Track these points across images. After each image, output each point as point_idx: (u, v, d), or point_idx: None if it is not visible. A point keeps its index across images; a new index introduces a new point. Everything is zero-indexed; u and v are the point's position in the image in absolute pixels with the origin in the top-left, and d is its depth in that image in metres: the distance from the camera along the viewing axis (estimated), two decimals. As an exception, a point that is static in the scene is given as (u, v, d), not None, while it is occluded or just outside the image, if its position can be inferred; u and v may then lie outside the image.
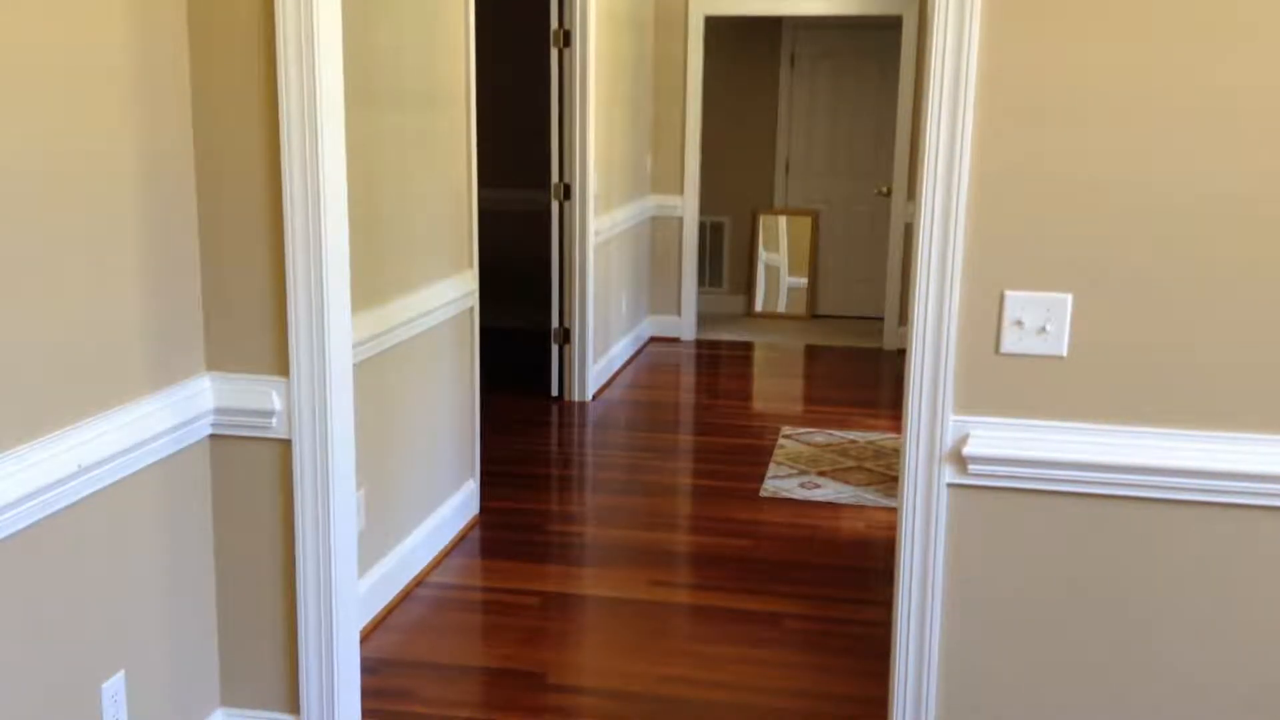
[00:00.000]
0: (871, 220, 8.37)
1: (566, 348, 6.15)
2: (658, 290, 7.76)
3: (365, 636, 3.43)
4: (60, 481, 2.14)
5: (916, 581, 2.30)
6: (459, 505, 4.28)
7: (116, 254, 2.30)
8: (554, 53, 5.86)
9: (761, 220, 8.61)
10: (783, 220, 8.62)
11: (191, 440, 2.57)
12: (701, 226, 7.95)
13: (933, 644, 2.32)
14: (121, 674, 2.39)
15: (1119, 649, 2.26)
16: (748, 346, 7.76)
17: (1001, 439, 2.21)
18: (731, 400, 6.45)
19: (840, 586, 3.89)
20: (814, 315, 8.63)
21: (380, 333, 3.50)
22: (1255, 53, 2.02)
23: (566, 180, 5.93)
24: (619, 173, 6.64)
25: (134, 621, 2.43)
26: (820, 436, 5.59)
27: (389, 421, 3.66)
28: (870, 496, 4.73)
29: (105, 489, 2.29)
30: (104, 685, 2.34)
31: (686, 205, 7.63)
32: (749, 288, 8.71)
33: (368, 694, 3.00)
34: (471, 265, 4.33)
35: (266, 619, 2.70)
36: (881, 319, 7.81)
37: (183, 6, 2.45)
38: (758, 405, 6.38)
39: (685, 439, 5.72)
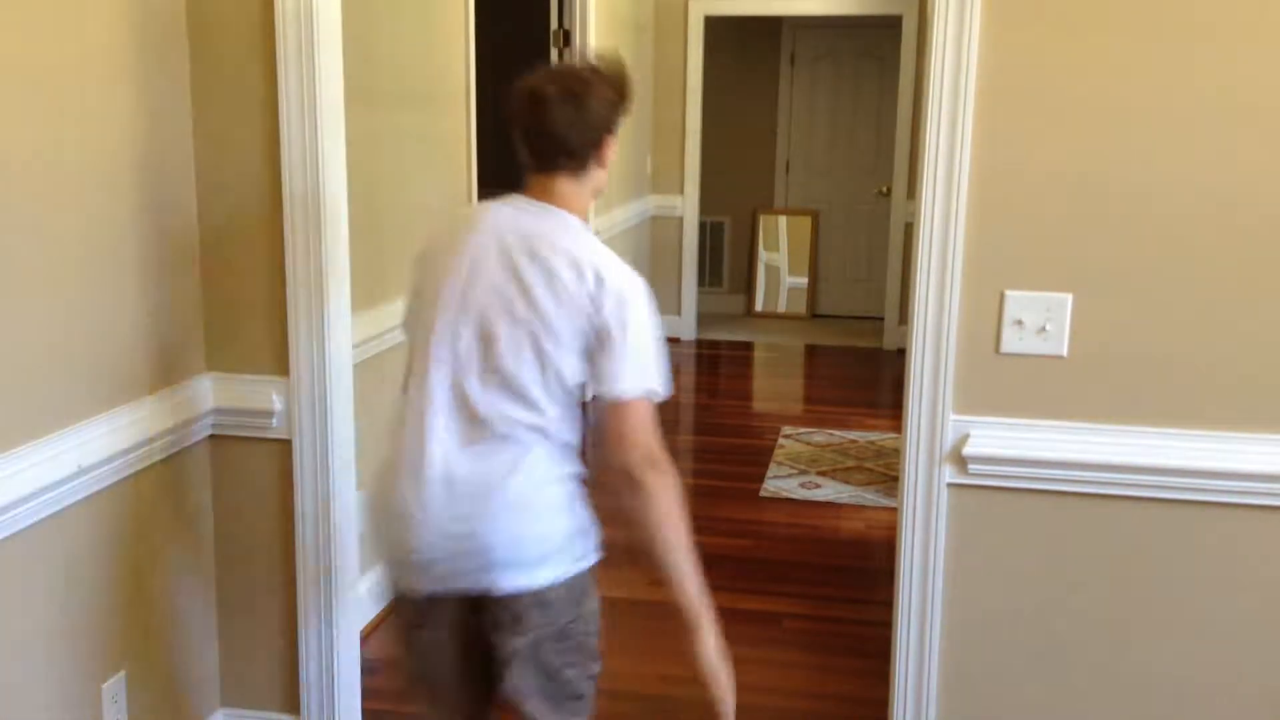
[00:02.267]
0: (871, 220, 8.37)
1: (566, 348, 6.14)
2: (658, 290, 7.71)
3: (365, 636, 3.43)
4: (60, 482, 2.14)
5: (916, 581, 2.30)
6: (459, 505, 4.27)
7: (116, 254, 2.30)
8: (554, 53, 5.86)
9: (761, 220, 8.61)
10: (783, 220, 8.62)
11: (192, 440, 2.56)
12: (701, 226, 7.94)
13: (933, 644, 2.32)
14: (122, 674, 2.39)
15: (1118, 648, 2.26)
16: (748, 346, 7.76)
17: (1002, 439, 2.21)
18: (731, 400, 6.46)
19: (840, 586, 3.89)
20: (814, 315, 8.63)
21: (380, 333, 3.50)
22: (1256, 53, 2.02)
23: (566, 180, 5.91)
24: (619, 173, 6.64)
25: (134, 622, 2.43)
26: (820, 436, 5.59)
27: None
28: (870, 496, 4.73)
29: (105, 489, 2.29)
30: (104, 685, 2.34)
31: (686, 205, 7.62)
32: (749, 288, 8.71)
33: (368, 694, 2.99)
34: (471, 265, 4.32)
35: (266, 619, 2.70)
36: (881, 319, 7.81)
37: (182, 6, 2.45)
38: (758, 405, 6.38)
39: (685, 439, 5.72)
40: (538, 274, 1.90)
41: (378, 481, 2.00)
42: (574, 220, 1.99)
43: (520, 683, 1.98)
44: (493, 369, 1.91)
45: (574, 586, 2.03)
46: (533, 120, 1.97)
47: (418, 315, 2.00)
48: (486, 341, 1.92)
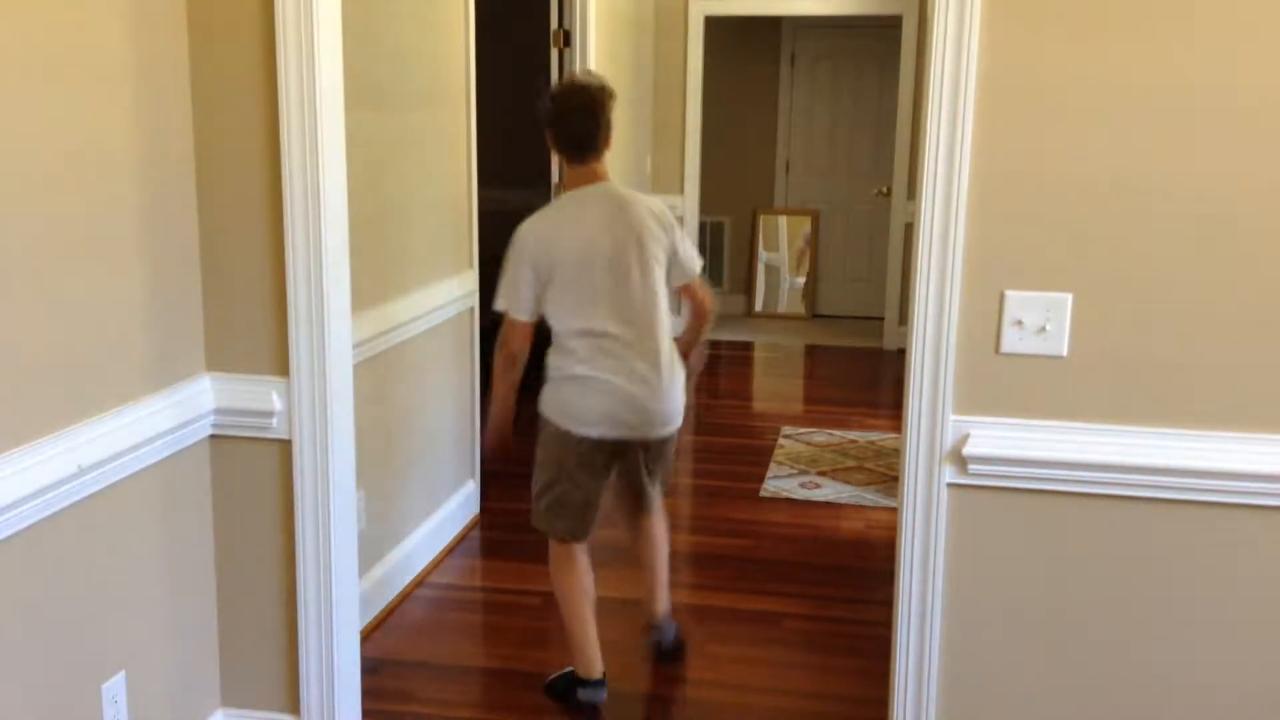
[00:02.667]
0: (871, 220, 8.37)
1: (566, 348, 6.13)
2: (658, 290, 7.74)
3: (365, 636, 3.43)
4: (61, 482, 2.14)
5: (916, 581, 2.30)
6: (459, 505, 4.28)
7: (116, 254, 2.30)
8: (554, 53, 5.85)
9: (761, 220, 8.61)
10: (783, 220, 8.62)
11: (192, 441, 2.56)
12: (701, 226, 7.94)
13: (933, 644, 2.32)
14: (122, 674, 2.39)
15: (1118, 648, 2.26)
16: (748, 346, 7.76)
17: (1001, 439, 2.21)
18: (731, 400, 6.45)
19: (840, 586, 3.89)
20: (814, 315, 8.63)
21: (380, 333, 3.50)
22: (1255, 53, 2.02)
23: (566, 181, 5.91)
24: (619, 173, 6.63)
25: (134, 622, 2.43)
26: (820, 436, 5.59)
27: (389, 422, 3.66)
28: (870, 496, 4.73)
29: (106, 489, 2.29)
30: (104, 685, 2.34)
31: (686, 205, 7.61)
32: (749, 288, 8.71)
33: (368, 694, 3.00)
34: (471, 265, 4.33)
35: (266, 619, 2.70)
36: (881, 319, 7.80)
37: (182, 6, 2.45)
38: (758, 405, 6.38)
39: (685, 439, 5.72)
40: (634, 227, 2.96)
41: (574, 383, 3.00)
42: (613, 184, 3.08)
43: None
44: (639, 294, 2.97)
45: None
46: (565, 131, 3.00)
47: (575, 282, 2.93)
48: (626, 279, 2.95)
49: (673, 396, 3.03)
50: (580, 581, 3.15)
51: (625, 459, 3.11)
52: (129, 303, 2.35)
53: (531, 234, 2.95)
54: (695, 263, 3.11)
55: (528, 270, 2.92)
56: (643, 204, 3.02)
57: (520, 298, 2.94)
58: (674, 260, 3.04)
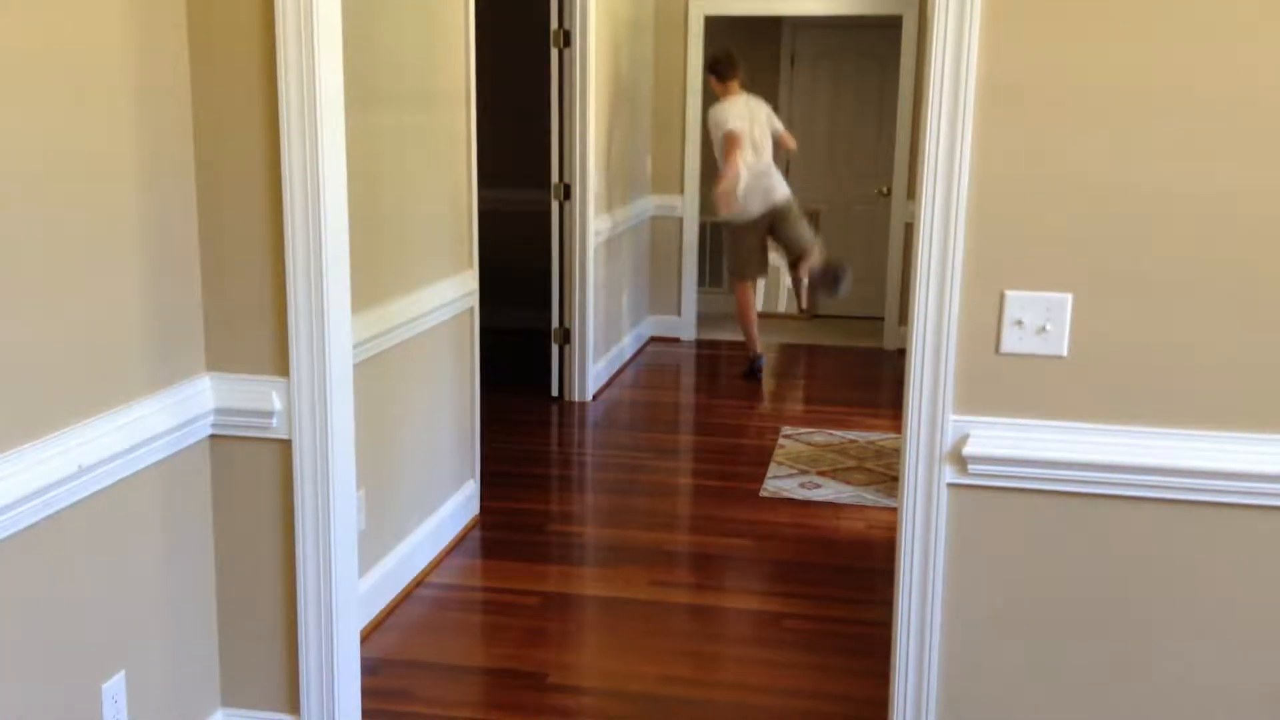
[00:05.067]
0: (871, 220, 8.37)
1: (566, 348, 6.15)
2: (658, 290, 7.76)
3: (365, 636, 3.43)
4: (61, 482, 2.14)
5: (916, 581, 2.30)
6: (459, 505, 4.28)
7: (116, 254, 2.30)
8: (554, 53, 5.85)
9: (761, 220, 8.60)
10: (783, 220, 8.60)
11: (191, 440, 2.56)
12: (701, 226, 7.94)
13: (933, 644, 2.32)
14: (121, 674, 2.39)
15: (1119, 649, 2.26)
16: (748, 346, 7.75)
17: (1002, 439, 2.21)
18: (731, 400, 6.45)
19: (840, 586, 3.89)
20: (814, 315, 8.62)
21: (380, 333, 3.50)
22: (1256, 53, 2.02)
23: (566, 180, 5.92)
24: (619, 173, 6.64)
25: (134, 622, 2.43)
26: (820, 436, 5.59)
27: (389, 421, 3.66)
28: (870, 496, 4.73)
29: (105, 489, 2.29)
30: (104, 685, 2.34)
31: (686, 205, 7.62)
32: (749, 288, 8.69)
33: (368, 694, 3.00)
34: (471, 265, 4.33)
35: (266, 619, 2.70)
36: (881, 319, 7.80)
37: (182, 6, 2.45)
38: (758, 405, 6.38)
39: (685, 439, 5.72)
40: (766, 110, 6.60)
41: (745, 186, 6.41)
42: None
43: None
44: (763, 143, 6.49)
45: None
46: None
47: (743, 132, 6.35)
48: (762, 136, 6.49)
49: (777, 185, 6.46)
50: (754, 301, 6.74)
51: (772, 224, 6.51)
52: (129, 302, 2.35)
53: (728, 114, 6.37)
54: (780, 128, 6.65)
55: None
56: (768, 106, 6.60)
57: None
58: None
